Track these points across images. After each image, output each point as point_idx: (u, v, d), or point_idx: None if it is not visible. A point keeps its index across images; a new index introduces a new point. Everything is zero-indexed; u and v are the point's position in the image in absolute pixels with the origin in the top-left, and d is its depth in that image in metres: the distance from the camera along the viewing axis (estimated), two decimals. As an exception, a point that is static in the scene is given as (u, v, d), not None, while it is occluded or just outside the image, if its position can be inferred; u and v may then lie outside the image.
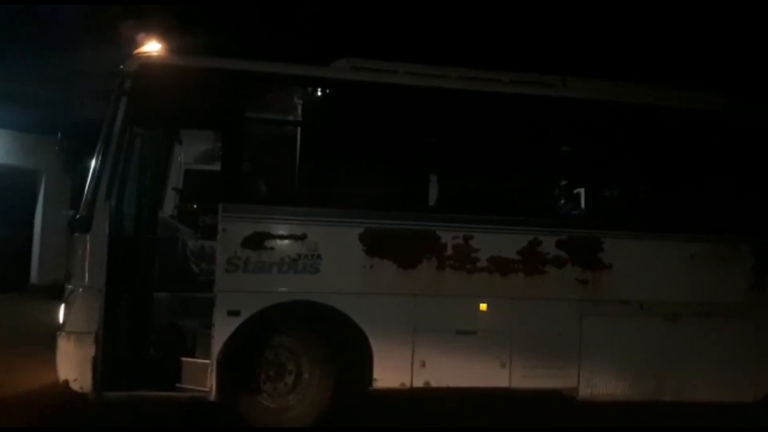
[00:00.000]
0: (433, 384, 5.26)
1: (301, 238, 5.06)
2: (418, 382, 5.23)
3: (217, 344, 4.92)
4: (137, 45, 5.24)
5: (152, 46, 5.24)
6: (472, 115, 5.61)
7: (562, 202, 5.94)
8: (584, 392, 5.49)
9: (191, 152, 7.17)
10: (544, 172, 5.67)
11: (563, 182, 5.97)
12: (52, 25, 12.69)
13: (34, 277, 16.65)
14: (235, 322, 4.95)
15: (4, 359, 7.54)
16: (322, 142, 5.36)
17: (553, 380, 5.46)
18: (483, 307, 5.38)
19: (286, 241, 5.04)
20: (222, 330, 4.94)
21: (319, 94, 5.42)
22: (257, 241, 5.00)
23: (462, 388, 5.37)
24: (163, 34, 6.43)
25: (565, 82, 5.83)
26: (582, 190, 5.88)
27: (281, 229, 5.05)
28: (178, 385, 5.07)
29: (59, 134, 4.95)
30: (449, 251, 5.31)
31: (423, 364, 5.23)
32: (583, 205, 5.87)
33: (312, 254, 5.07)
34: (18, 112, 15.16)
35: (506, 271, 5.38)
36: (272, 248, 5.02)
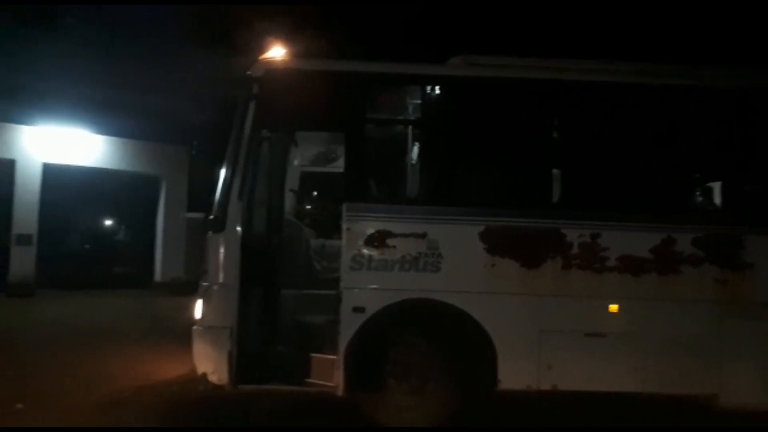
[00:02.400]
0: (561, 387, 5.10)
1: (422, 236, 5.06)
2: (545, 385, 5.09)
3: (343, 340, 5.02)
4: (261, 51, 5.41)
5: (276, 51, 5.39)
6: (597, 108, 5.39)
7: (698, 197, 5.58)
8: (726, 400, 5.11)
9: (306, 155, 7.36)
10: (677, 166, 5.35)
11: (698, 176, 5.60)
12: (173, 37, 13.50)
13: (157, 275, 17.82)
14: (360, 319, 5.03)
15: (140, 351, 8.15)
16: (441, 140, 5.33)
17: (690, 386, 5.13)
18: (613, 308, 5.15)
19: (406, 240, 5.07)
20: (348, 326, 5.03)
21: (439, 92, 5.41)
22: (379, 240, 5.07)
23: (591, 392, 5.16)
24: (283, 38, 6.68)
25: (694, 70, 5.46)
26: (720, 184, 5.48)
27: (402, 228, 5.08)
28: (307, 380, 5.21)
29: (194, 142, 5.22)
30: (575, 250, 5.13)
31: (549, 367, 5.09)
32: (720, 200, 5.47)
33: (432, 253, 5.07)
34: (139, 122, 16.37)
35: (638, 271, 5.13)
36: (394, 246, 5.07)
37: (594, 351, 5.09)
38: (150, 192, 18.36)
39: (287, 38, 6.84)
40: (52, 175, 16.34)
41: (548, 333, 5.10)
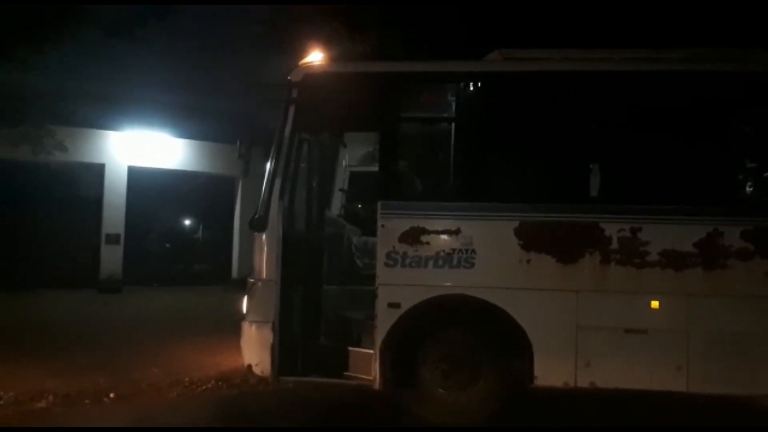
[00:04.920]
0: (599, 384, 5.01)
1: (455, 232, 5.11)
2: (583, 382, 5.02)
3: (379, 335, 5.15)
4: (304, 55, 5.62)
5: (315, 56, 5.59)
6: (638, 98, 5.23)
7: (747, 187, 5.29)
8: (780, 402, 4.87)
9: (355, 155, 7.52)
10: (723, 155, 5.11)
11: (747, 165, 5.31)
12: (247, 42, 13.97)
13: (234, 271, 18.50)
14: (396, 314, 5.15)
15: (219, 344, 8.56)
16: (476, 136, 5.34)
17: (740, 386, 4.91)
18: (654, 304, 5.00)
19: (440, 236, 5.13)
20: (384, 321, 5.16)
21: (473, 88, 5.42)
22: (413, 237, 5.15)
23: (632, 390, 5.04)
24: (328, 42, 6.86)
25: (748, 54, 5.19)
26: (772, 174, 5.19)
27: (436, 225, 5.15)
28: (346, 373, 5.38)
29: (237, 143, 5.53)
30: (614, 245, 5.02)
31: (588, 363, 5.01)
32: (773, 190, 5.18)
33: (466, 249, 5.10)
34: (216, 125, 17.10)
35: (681, 266, 4.96)
36: (428, 243, 5.14)
37: (634, 348, 4.97)
38: (227, 192, 19.13)
39: (329, 41, 7.02)
40: (137, 177, 17.29)
41: (586, 329, 5.02)
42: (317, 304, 5.64)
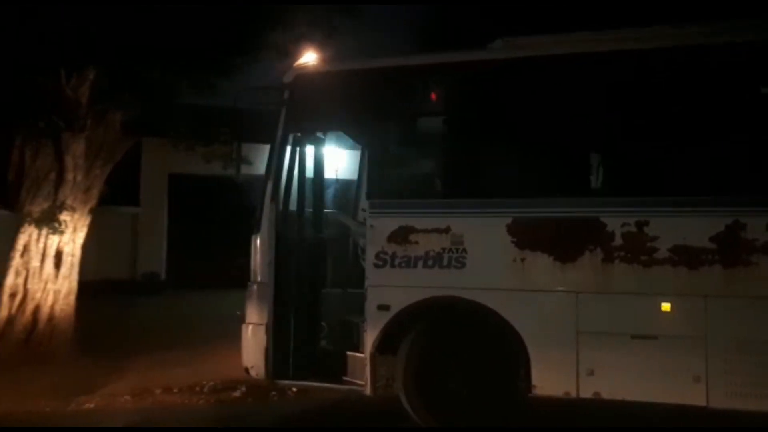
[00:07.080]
0: (605, 395, 4.53)
1: (445, 231, 4.84)
2: (586, 392, 4.56)
3: (369, 339, 4.97)
4: (298, 57, 5.61)
5: (310, 57, 5.56)
6: (645, 77, 4.71)
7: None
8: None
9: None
10: (745, 136, 4.47)
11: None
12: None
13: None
14: (386, 317, 4.95)
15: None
16: (467, 129, 5.06)
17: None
18: (665, 307, 4.46)
19: (429, 235, 4.88)
20: (374, 324, 4.97)
21: (463, 80, 5.14)
22: (402, 236, 4.94)
23: (642, 403, 4.51)
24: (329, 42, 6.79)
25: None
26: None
27: (424, 223, 4.90)
28: (345, 378, 5.24)
29: (235, 144, 5.57)
30: (618, 241, 4.53)
31: (591, 372, 4.55)
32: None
33: (456, 248, 4.82)
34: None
35: (696, 264, 4.38)
36: (416, 242, 4.91)
37: (643, 356, 4.45)
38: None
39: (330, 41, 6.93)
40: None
41: (587, 334, 4.57)
42: (315, 307, 5.53)
